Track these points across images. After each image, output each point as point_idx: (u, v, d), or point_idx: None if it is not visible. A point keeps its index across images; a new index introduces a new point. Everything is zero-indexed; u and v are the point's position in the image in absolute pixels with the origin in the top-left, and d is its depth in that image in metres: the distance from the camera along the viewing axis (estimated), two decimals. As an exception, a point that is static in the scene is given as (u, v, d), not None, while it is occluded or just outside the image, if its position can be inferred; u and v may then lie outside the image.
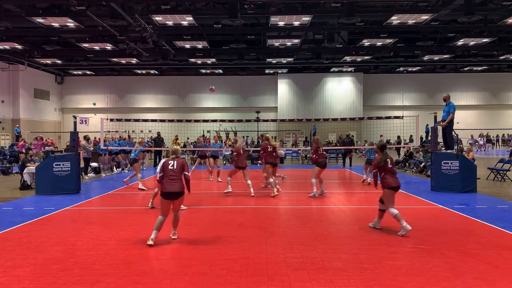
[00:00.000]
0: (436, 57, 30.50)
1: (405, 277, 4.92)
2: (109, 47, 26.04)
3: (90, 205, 10.04)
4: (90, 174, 16.38)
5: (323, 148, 11.23)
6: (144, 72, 36.73)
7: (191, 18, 20.32)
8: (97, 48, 26.55)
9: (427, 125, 24.50)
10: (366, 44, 26.26)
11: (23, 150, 18.87)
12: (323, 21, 23.19)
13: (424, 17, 20.59)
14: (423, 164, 16.50)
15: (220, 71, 36.87)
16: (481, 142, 31.88)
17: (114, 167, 18.22)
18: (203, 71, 36.81)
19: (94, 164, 17.06)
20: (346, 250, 6.01)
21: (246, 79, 37.79)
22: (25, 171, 12.85)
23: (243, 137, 29.50)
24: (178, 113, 36.44)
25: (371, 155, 13.26)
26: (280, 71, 36.69)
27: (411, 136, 26.22)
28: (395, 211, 6.87)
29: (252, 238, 6.70)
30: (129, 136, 22.68)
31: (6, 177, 16.65)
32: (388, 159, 7.12)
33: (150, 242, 6.22)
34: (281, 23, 21.51)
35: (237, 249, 6.09)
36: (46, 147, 21.56)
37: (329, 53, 30.78)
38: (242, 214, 8.79)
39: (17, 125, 29.93)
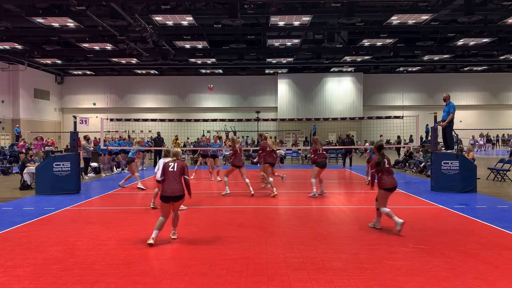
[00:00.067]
0: (436, 57, 30.50)
1: (405, 277, 4.92)
2: (109, 47, 26.04)
3: (90, 205, 10.04)
4: (90, 174, 16.39)
5: (323, 148, 11.22)
6: (144, 72, 36.73)
7: (191, 18, 20.32)
8: (97, 48, 26.55)
9: (427, 125, 24.50)
10: (366, 44, 26.27)
11: (23, 150, 18.87)
12: (323, 21, 23.19)
13: (424, 17, 20.59)
14: (423, 164, 16.49)
15: (220, 71, 36.87)
16: (481, 142, 31.88)
17: (114, 167, 18.23)
18: (203, 71, 36.80)
19: (94, 164, 17.07)
20: (346, 250, 6.01)
21: (246, 79, 37.79)
22: (25, 171, 12.85)
23: (242, 137, 29.48)
24: (178, 113, 36.45)
25: (373, 154, 13.25)
26: (280, 71, 36.69)
27: (411, 136, 26.22)
28: (386, 209, 7.00)
29: (252, 238, 6.70)
30: (129, 136, 22.68)
31: (6, 177, 16.65)
32: (385, 159, 7.16)
33: (151, 241, 6.22)
34: (281, 23, 21.51)
35: (237, 249, 6.08)
36: (46, 147, 21.55)
37: (329, 53, 30.78)
38: (242, 214, 8.78)
39: (17, 125, 29.93)
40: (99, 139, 16.73)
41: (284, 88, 37.13)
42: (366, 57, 30.51)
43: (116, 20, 18.80)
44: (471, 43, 25.93)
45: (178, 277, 4.97)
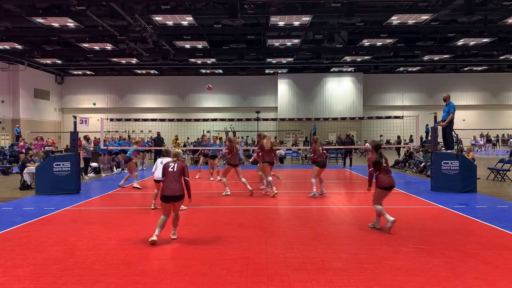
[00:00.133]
0: (436, 57, 30.50)
1: (405, 277, 4.92)
2: (109, 47, 26.03)
3: (90, 205, 10.04)
4: (90, 174, 16.39)
5: (323, 147, 11.20)
6: (144, 72, 36.73)
7: (191, 18, 20.32)
8: (97, 48, 26.54)
9: (427, 125, 24.50)
10: (366, 44, 26.26)
11: (23, 150, 18.86)
12: (323, 21, 23.19)
13: (424, 17, 20.59)
14: (423, 164, 16.50)
15: (220, 71, 36.87)
16: (481, 142, 31.86)
17: (114, 167, 18.23)
18: (203, 71, 36.80)
19: (94, 164, 17.07)
20: (346, 250, 6.01)
21: (246, 79, 37.79)
22: (25, 171, 12.85)
23: (242, 137, 29.47)
24: (178, 113, 36.45)
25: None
26: (280, 71, 36.69)
27: (411, 136, 26.20)
28: (379, 206, 7.09)
29: (252, 238, 6.70)
30: (129, 136, 22.68)
31: (6, 177, 16.65)
32: (383, 158, 7.20)
33: (154, 238, 6.26)
34: (281, 23, 21.51)
35: (237, 249, 6.08)
36: (46, 147, 21.55)
37: (329, 53, 30.78)
38: (242, 214, 8.78)
39: (17, 125, 29.92)
40: (99, 139, 16.73)
41: (284, 88, 37.13)
42: (366, 57, 30.50)
43: (116, 20, 18.80)
44: (471, 43, 25.93)
45: (178, 277, 4.97)
